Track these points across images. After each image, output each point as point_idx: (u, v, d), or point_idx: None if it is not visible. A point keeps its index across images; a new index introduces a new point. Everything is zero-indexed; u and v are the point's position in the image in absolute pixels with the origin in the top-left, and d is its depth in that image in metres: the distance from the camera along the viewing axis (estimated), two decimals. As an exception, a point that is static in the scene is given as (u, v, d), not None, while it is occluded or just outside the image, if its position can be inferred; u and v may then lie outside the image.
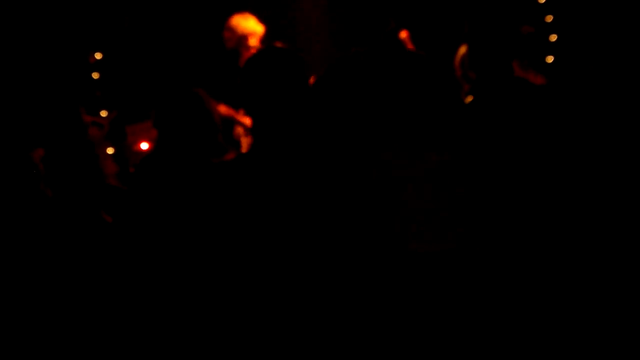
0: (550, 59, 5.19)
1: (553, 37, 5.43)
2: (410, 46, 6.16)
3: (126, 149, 5.01)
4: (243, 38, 5.56)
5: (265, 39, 5.50)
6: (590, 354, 2.80)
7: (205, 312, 2.68)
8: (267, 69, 2.53)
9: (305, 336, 2.44)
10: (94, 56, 5.97)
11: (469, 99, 3.62)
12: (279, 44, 4.87)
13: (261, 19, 5.62)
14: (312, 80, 2.92)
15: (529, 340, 2.60)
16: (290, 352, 2.44)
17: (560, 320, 2.89)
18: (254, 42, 5.51)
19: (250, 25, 5.61)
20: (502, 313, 2.52)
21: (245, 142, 5.35)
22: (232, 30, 5.59)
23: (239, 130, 5.47)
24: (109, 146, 4.56)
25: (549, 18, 5.63)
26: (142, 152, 4.96)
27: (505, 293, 2.55)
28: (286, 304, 2.48)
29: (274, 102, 2.50)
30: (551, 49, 5.32)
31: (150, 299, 3.09)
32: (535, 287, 2.77)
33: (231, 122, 5.45)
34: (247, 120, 5.21)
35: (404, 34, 6.23)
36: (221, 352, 2.56)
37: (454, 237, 2.42)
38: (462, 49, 4.54)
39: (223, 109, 5.49)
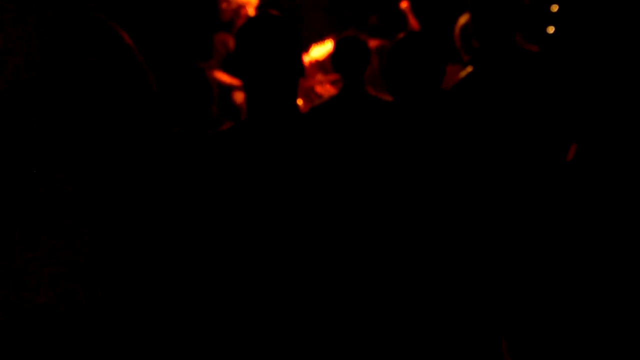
0: (551, 29, 5.15)
1: (554, 8, 5.38)
2: (411, 17, 6.12)
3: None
4: (239, 9, 5.54)
5: (259, 8, 5.48)
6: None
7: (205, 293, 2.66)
8: (259, 36, 2.49)
9: None
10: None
11: (469, 69, 3.59)
12: (272, 12, 4.84)
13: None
14: (312, 48, 2.88)
15: None
16: None
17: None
18: (251, 12, 5.48)
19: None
20: None
21: (245, 110, 5.34)
22: (229, 1, 5.57)
23: (238, 97, 5.46)
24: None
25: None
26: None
27: None
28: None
29: (266, 70, 2.47)
30: (552, 19, 5.28)
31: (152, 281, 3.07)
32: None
33: (230, 90, 5.43)
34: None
35: (404, 4, 6.19)
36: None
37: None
38: (462, 19, 4.49)
39: (222, 76, 5.48)
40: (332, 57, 4.30)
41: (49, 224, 1.94)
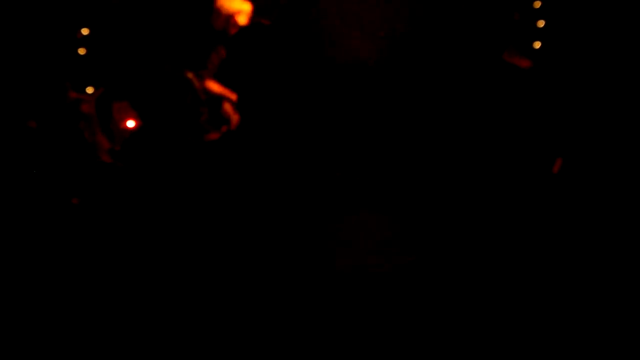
0: (537, 44, 5.21)
1: (541, 23, 5.45)
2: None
3: (113, 127, 4.99)
4: (230, 17, 5.56)
5: (254, 16, 5.51)
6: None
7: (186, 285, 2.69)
8: (250, 46, 2.53)
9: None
10: (80, 32, 5.93)
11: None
12: (264, 22, 4.89)
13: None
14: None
15: None
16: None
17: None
18: (242, 20, 5.51)
19: (236, 5, 5.61)
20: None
21: (235, 119, 5.36)
22: (219, 11, 5.60)
23: (228, 107, 5.47)
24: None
25: (537, 4, 5.64)
26: (129, 130, 4.95)
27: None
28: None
29: (256, 79, 2.51)
30: (539, 34, 5.33)
31: (136, 274, 3.09)
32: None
33: (220, 99, 5.45)
34: (234, 97, 5.23)
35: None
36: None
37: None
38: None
39: (213, 86, 5.49)
40: None
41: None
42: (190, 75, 3.76)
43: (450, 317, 2.92)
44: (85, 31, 5.89)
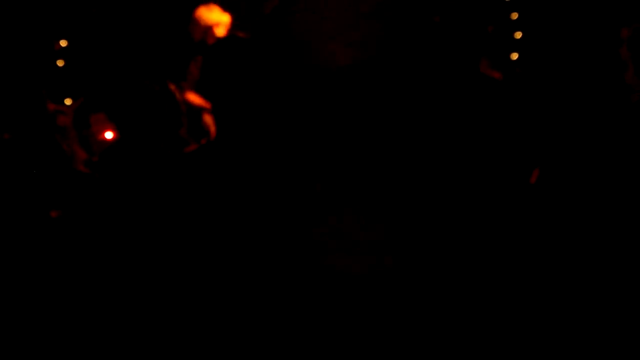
0: (514, 55, 5.25)
1: (518, 35, 5.49)
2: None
3: (90, 138, 4.98)
4: (209, 29, 5.57)
5: (232, 28, 5.52)
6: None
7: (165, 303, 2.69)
8: (225, 59, 2.54)
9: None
10: (59, 43, 5.93)
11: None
12: (240, 34, 4.91)
13: (226, 8, 5.63)
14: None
15: None
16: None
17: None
18: (220, 32, 5.51)
19: (214, 16, 5.62)
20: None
21: (214, 130, 5.36)
22: (197, 22, 5.61)
23: (208, 118, 5.48)
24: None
25: (514, 15, 5.68)
26: (107, 141, 4.94)
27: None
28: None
29: (234, 92, 2.52)
30: (516, 46, 5.38)
31: (113, 286, 3.09)
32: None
33: (200, 111, 5.45)
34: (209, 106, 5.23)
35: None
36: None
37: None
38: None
39: (193, 97, 5.50)
40: None
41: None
42: (172, 86, 3.77)
43: (442, 319, 2.93)
44: (63, 43, 5.88)
